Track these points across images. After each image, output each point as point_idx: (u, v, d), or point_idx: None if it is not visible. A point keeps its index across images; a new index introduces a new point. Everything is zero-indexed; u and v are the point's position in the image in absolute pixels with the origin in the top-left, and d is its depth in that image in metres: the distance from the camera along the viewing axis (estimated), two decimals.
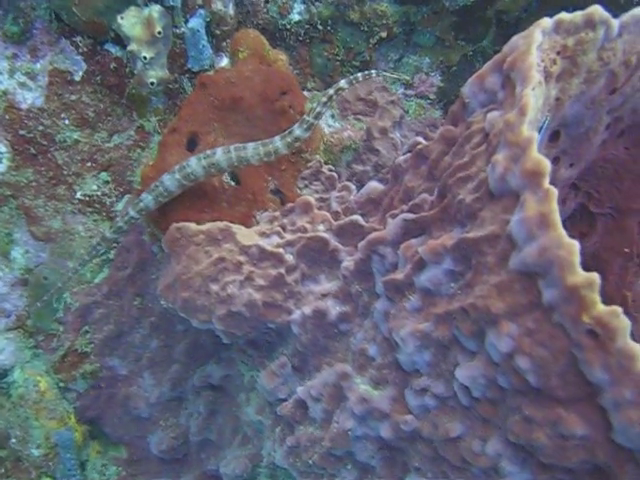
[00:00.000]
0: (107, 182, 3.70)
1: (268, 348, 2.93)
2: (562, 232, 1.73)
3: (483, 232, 1.96)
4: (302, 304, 2.71)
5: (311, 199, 2.87)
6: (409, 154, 2.55)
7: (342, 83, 2.74)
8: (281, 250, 2.72)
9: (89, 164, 3.66)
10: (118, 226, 2.88)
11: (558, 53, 2.18)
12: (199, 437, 3.47)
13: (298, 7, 3.71)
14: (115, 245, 3.57)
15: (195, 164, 2.75)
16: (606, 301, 3.14)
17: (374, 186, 2.75)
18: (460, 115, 2.36)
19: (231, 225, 2.77)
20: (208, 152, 2.76)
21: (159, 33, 3.39)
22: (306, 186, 3.10)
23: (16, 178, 3.60)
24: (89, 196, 3.67)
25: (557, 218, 1.74)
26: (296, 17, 3.72)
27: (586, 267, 3.13)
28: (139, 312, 3.60)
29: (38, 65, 3.62)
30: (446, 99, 4.15)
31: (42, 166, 3.62)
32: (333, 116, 3.44)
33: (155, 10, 3.40)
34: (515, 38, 2.16)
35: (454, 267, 2.10)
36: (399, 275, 2.31)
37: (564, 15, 2.15)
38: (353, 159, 3.83)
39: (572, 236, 3.07)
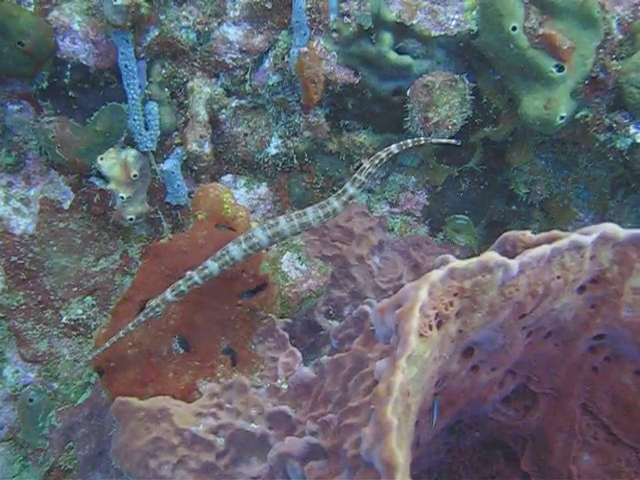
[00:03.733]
0: (92, 305, 3.89)
1: None
2: None
3: None
4: None
5: (247, 381, 2.96)
6: (330, 358, 2.61)
7: (393, 148, 2.90)
8: (212, 437, 2.83)
9: (75, 289, 3.84)
10: (180, 290, 2.88)
11: (455, 294, 2.19)
12: None
13: (275, 141, 3.79)
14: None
15: (261, 234, 2.86)
16: (553, 474, 3.14)
17: (306, 373, 2.83)
18: (370, 336, 2.40)
19: (169, 406, 2.89)
20: (271, 222, 2.88)
21: (135, 176, 3.53)
22: (260, 342, 3.19)
23: (8, 301, 3.81)
24: (74, 320, 3.86)
25: None
26: (273, 151, 3.80)
27: (533, 439, 3.13)
28: None
29: (32, 192, 3.80)
30: (431, 217, 4.16)
31: (31, 290, 3.82)
32: (300, 258, 3.50)
33: (131, 155, 3.55)
34: (407, 287, 2.17)
35: None
36: None
37: (457, 263, 2.15)
38: (331, 284, 3.89)
39: (516, 409, 3.08)
